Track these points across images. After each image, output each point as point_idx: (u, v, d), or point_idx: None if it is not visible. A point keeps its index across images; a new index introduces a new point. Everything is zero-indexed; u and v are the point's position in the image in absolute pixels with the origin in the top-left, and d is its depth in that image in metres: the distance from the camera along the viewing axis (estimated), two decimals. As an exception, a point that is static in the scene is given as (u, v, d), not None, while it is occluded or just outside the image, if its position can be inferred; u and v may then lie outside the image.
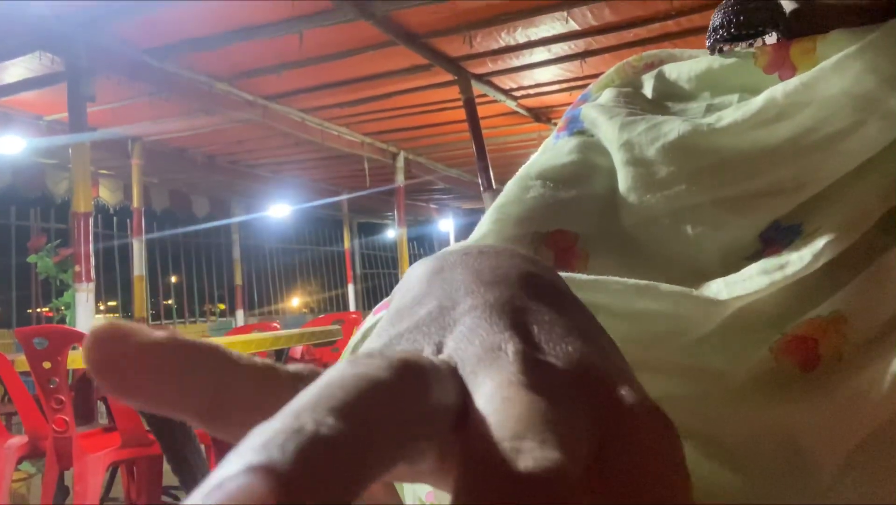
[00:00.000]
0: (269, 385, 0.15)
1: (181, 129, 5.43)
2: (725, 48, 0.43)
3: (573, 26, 3.73)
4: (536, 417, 0.13)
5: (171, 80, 4.26)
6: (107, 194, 6.58)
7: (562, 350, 0.16)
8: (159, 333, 0.14)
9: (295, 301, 10.91)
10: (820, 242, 0.30)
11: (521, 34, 3.87)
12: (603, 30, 3.79)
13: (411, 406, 0.13)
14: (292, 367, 0.16)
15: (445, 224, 11.39)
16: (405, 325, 0.18)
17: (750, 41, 0.42)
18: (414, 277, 0.20)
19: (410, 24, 3.73)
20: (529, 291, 0.18)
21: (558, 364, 0.15)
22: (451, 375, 0.15)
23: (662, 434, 0.15)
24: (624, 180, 0.37)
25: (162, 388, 0.14)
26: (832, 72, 0.34)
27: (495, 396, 0.14)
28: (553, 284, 0.20)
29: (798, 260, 0.30)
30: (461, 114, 4.84)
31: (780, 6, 0.42)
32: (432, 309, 0.18)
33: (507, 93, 5.04)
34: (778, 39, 0.41)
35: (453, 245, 0.26)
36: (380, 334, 0.18)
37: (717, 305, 0.30)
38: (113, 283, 7.31)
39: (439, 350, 0.16)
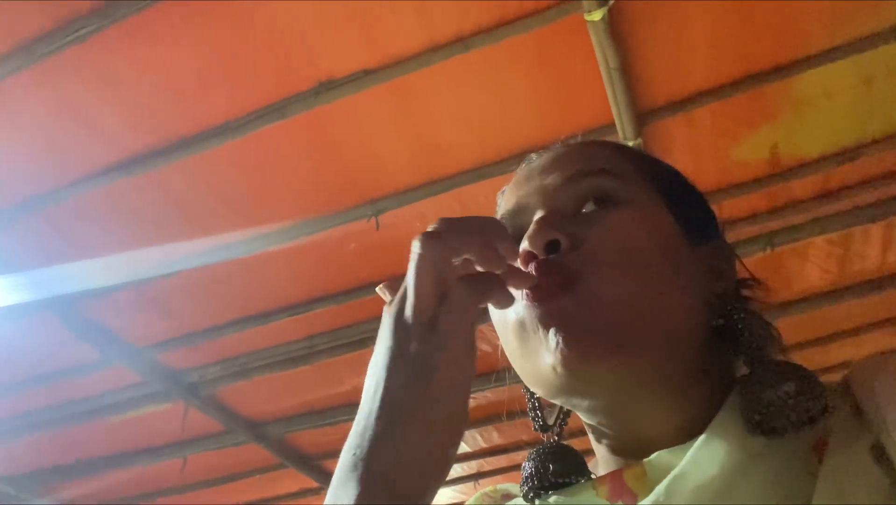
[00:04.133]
0: None
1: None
2: (542, 494, 0.45)
3: (464, 448, 3.82)
4: None
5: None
6: None
7: None
8: None
9: None
10: None
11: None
12: (493, 451, 3.89)
13: None
14: None
15: None
16: None
17: (564, 487, 0.44)
18: None
19: (302, 446, 3.69)
20: None
21: None
22: None
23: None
24: None
25: None
26: (667, 497, 0.36)
27: None
28: None
29: None
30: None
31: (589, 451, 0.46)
32: None
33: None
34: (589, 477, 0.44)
35: None
36: None
37: None
38: None
39: None
